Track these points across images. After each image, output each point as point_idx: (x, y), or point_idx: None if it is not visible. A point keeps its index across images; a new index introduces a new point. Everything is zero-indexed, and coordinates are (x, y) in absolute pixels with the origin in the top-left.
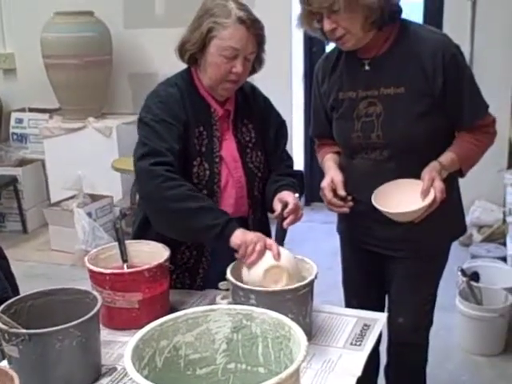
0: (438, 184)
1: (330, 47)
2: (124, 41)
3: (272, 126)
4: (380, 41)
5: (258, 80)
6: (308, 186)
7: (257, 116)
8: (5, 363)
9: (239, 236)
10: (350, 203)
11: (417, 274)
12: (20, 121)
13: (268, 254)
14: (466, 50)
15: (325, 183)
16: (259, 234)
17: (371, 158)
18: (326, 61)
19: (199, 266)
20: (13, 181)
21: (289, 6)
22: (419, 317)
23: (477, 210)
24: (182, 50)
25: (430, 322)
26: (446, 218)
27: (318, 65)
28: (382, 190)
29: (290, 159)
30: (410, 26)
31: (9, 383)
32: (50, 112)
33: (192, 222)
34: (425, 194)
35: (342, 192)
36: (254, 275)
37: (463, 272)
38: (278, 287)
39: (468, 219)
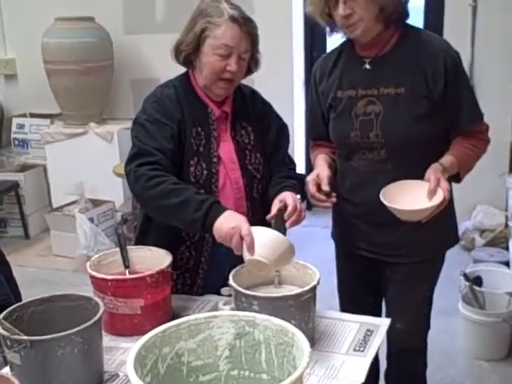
0: (445, 184)
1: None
2: (124, 46)
3: (272, 128)
4: (383, 40)
5: (259, 84)
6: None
7: (256, 119)
8: (7, 370)
9: (217, 231)
10: (334, 199)
11: (413, 279)
12: (21, 126)
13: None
14: (466, 54)
15: (310, 177)
16: (236, 223)
17: (368, 159)
18: (325, 60)
19: (199, 267)
20: (14, 186)
21: (289, 11)
22: (417, 322)
23: (479, 215)
24: (177, 52)
25: (428, 327)
26: (443, 224)
27: (316, 65)
28: (389, 189)
29: (292, 163)
30: (413, 30)
31: None
32: (51, 117)
33: (178, 216)
34: (431, 194)
35: (325, 187)
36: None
37: (466, 276)
38: (264, 273)
39: (470, 223)
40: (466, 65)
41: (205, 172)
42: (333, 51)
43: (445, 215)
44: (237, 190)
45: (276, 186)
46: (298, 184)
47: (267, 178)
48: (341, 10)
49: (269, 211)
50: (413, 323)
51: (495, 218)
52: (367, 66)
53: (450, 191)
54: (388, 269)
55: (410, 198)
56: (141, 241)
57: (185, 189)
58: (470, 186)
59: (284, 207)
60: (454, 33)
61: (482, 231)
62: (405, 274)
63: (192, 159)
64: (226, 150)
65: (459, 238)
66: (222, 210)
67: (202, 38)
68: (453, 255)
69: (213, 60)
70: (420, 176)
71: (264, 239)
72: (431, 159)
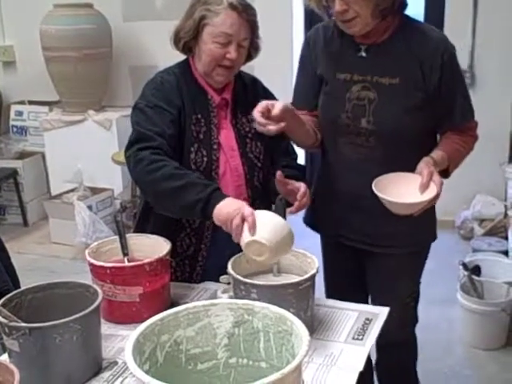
0: (438, 178)
1: None
2: (123, 33)
3: None
4: (380, 29)
5: (258, 72)
6: (308, 180)
7: None
8: (5, 357)
9: (218, 214)
10: (282, 124)
11: (399, 271)
12: (20, 113)
13: (246, 227)
14: (467, 44)
15: (262, 103)
16: (237, 206)
17: (356, 144)
18: (323, 30)
19: (198, 254)
20: (13, 173)
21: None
22: (403, 315)
23: (478, 204)
24: (176, 39)
25: (415, 319)
26: (428, 217)
27: (312, 32)
28: (380, 179)
29: (294, 153)
30: (412, 21)
31: (9, 377)
32: (50, 105)
33: (178, 200)
34: (424, 187)
35: (276, 111)
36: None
37: (464, 266)
38: (263, 259)
39: (469, 213)
40: (466, 55)
41: (205, 159)
42: (328, 26)
43: (431, 209)
44: (237, 177)
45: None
46: (300, 175)
47: (268, 167)
48: (337, 6)
49: (270, 200)
50: (399, 317)
51: (494, 207)
52: (363, 54)
53: None
54: (372, 260)
55: (401, 190)
56: (141, 227)
57: (187, 173)
58: (469, 175)
59: (284, 195)
60: (455, 23)
61: (481, 221)
62: (390, 266)
63: (192, 146)
64: (227, 137)
65: (436, 234)
66: (225, 195)
67: (200, 26)
68: (452, 244)
69: (212, 48)
70: (408, 166)
71: (266, 222)
72: (418, 151)
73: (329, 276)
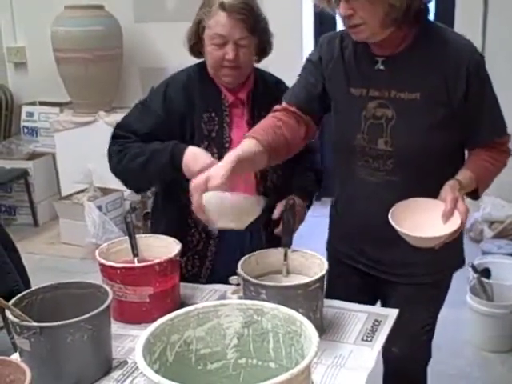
0: (462, 206)
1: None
2: (134, 35)
3: None
4: (397, 39)
5: (272, 70)
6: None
7: None
8: (16, 356)
9: (186, 170)
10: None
11: (413, 301)
12: (31, 114)
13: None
14: (477, 43)
15: (198, 179)
16: (201, 165)
17: (373, 168)
18: (340, 38)
19: (207, 249)
20: (24, 174)
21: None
22: (414, 349)
23: (488, 206)
24: (187, 43)
25: (428, 356)
26: (450, 245)
27: (326, 36)
28: (398, 207)
29: (315, 149)
30: (434, 28)
31: (21, 376)
32: (61, 106)
33: (151, 170)
34: (447, 216)
35: (216, 182)
36: None
37: (474, 268)
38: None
39: (479, 215)
40: None
41: (215, 156)
42: (341, 33)
43: (458, 234)
44: (247, 175)
45: (295, 181)
46: (314, 178)
47: (284, 167)
48: (341, 9)
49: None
50: (410, 349)
51: (504, 209)
52: (380, 67)
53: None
54: (386, 288)
55: (422, 218)
56: (154, 226)
57: (147, 146)
58: None
59: (293, 201)
60: (465, 22)
61: (491, 223)
62: (404, 295)
63: (202, 143)
64: (240, 136)
65: (465, 260)
66: (185, 146)
67: (200, 29)
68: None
69: (210, 50)
70: (431, 192)
71: (220, 209)
72: (444, 173)
73: (332, 293)
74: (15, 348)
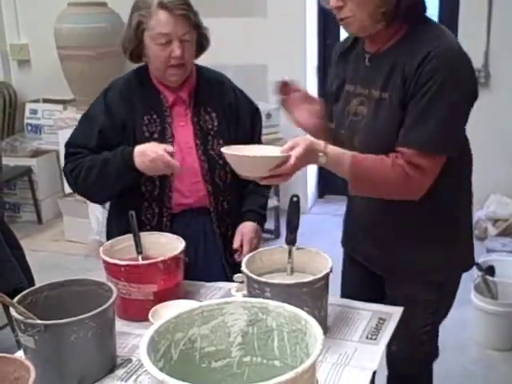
0: (298, 150)
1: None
2: None
3: (247, 115)
4: (388, 35)
5: (272, 72)
6: (321, 177)
7: (222, 107)
8: (20, 353)
9: (142, 168)
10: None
11: (412, 300)
12: (34, 112)
13: None
14: (482, 42)
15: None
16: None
17: None
18: (344, 43)
19: (162, 222)
20: (27, 171)
21: None
22: (414, 346)
23: (492, 204)
24: (123, 50)
25: (430, 355)
26: (452, 244)
27: (337, 45)
28: (238, 148)
29: None
30: (423, 26)
31: (25, 374)
32: (64, 103)
33: (107, 178)
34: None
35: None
36: None
37: (478, 266)
38: None
39: (483, 213)
40: (480, 54)
41: None
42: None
43: (453, 235)
44: (193, 174)
45: (244, 204)
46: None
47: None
48: (332, 1)
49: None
50: (410, 348)
51: (508, 207)
52: (367, 63)
53: (460, 212)
54: (388, 285)
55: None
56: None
57: (97, 157)
58: (483, 175)
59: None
60: (470, 23)
61: (495, 221)
62: (405, 294)
63: None
64: (184, 134)
65: (473, 263)
66: (132, 148)
67: (139, 32)
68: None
69: (156, 51)
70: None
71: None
72: None
73: (346, 288)
74: (19, 345)
